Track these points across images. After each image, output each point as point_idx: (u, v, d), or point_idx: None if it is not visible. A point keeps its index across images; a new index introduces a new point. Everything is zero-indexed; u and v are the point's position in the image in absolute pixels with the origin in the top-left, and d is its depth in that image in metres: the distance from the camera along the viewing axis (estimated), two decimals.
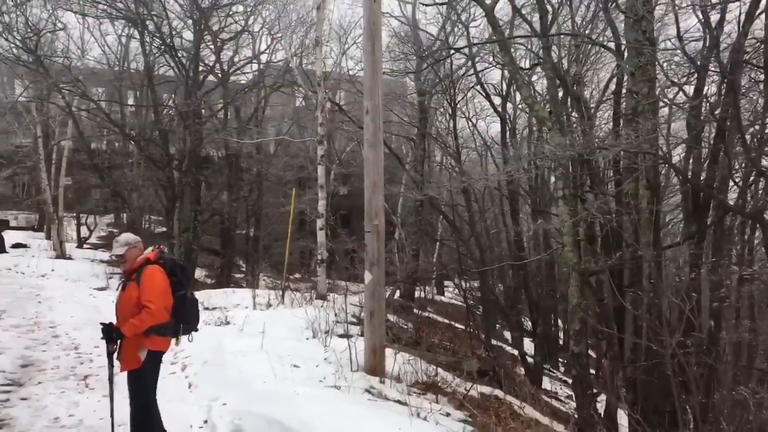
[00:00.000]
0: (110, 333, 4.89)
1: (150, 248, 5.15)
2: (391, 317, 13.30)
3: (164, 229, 25.38)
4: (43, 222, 28.53)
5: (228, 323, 10.66)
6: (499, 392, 9.01)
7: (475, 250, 15.24)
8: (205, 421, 5.60)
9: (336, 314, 11.95)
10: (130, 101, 32.82)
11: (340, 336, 10.23)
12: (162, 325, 4.84)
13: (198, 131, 19.24)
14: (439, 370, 8.70)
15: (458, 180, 14.61)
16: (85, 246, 27.01)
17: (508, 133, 19.71)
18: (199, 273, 24.05)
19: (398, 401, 6.35)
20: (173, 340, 5.11)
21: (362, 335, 11.16)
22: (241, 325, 9.86)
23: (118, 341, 4.95)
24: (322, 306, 13.12)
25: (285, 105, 31.41)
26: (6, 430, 5.64)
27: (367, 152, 7.82)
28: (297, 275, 35.43)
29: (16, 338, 9.94)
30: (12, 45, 17.22)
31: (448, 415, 6.41)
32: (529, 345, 19.95)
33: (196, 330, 5.26)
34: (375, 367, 7.51)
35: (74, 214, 28.53)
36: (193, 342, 8.67)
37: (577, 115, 12.80)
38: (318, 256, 16.07)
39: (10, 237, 25.15)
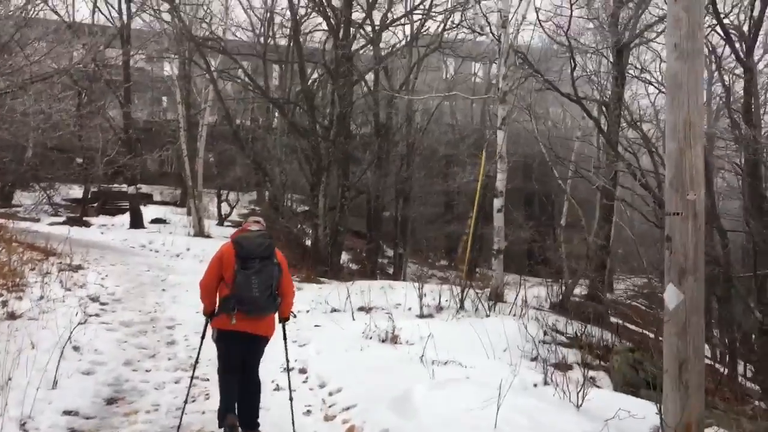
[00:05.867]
0: None
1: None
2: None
3: (307, 207, 23.14)
4: (185, 197, 27.29)
5: (396, 340, 7.55)
6: None
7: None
8: None
9: (542, 329, 8.59)
10: (275, 75, 31.03)
11: (554, 365, 6.94)
12: (221, 302, 4.79)
13: (348, 94, 16.44)
14: None
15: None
16: (225, 223, 25.39)
17: None
18: (344, 257, 21.45)
19: None
20: (233, 319, 4.69)
21: (584, 365, 7.80)
22: (419, 348, 6.67)
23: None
24: (513, 315, 9.78)
25: (436, 70, 28.11)
26: None
27: (676, 67, 4.28)
28: (443, 262, 32.36)
29: (120, 344, 7.46)
30: None
31: None
32: None
33: (259, 311, 4.75)
34: None
35: (216, 190, 27.05)
36: (356, 380, 5.69)
37: None
38: (495, 244, 12.72)
39: (151, 212, 24.01)
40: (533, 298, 12.53)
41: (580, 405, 4.82)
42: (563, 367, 7.34)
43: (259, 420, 4.97)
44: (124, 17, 20.81)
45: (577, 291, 15.59)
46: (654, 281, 22.14)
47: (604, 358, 8.02)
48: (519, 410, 4.25)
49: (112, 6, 21.80)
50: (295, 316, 5.31)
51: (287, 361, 5.45)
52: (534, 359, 7.48)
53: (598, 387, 6.69)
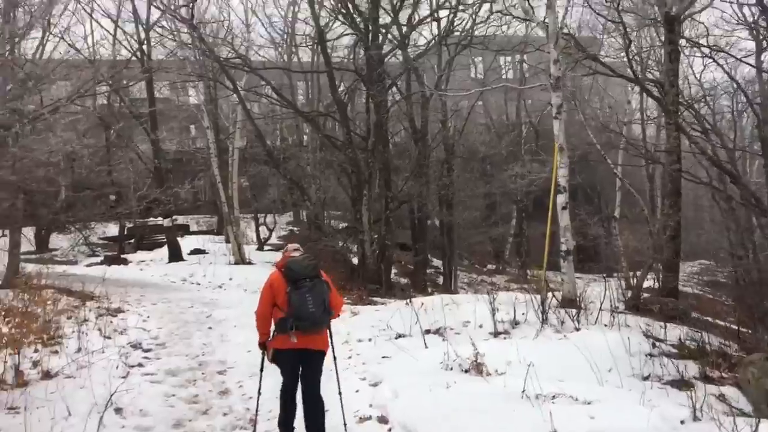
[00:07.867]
0: None
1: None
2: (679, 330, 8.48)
3: (346, 224, 22.20)
4: (222, 225, 26.60)
5: (481, 369, 6.45)
6: None
7: None
8: None
9: (649, 340, 7.41)
10: (300, 92, 30.34)
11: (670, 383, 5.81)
12: (278, 324, 4.98)
13: (384, 99, 15.51)
14: None
15: None
16: (266, 248, 24.60)
17: None
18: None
19: None
20: (293, 337, 4.90)
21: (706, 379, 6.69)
22: (512, 378, 5.61)
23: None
24: (604, 324, 8.63)
25: (466, 68, 27.06)
26: None
27: None
28: (490, 266, 31.03)
29: (167, 399, 6.54)
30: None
31: None
32: None
33: (316, 325, 4.98)
34: None
35: (252, 214, 26.32)
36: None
37: None
38: (563, 245, 11.56)
39: (189, 242, 23.32)
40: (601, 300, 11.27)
41: None
42: (683, 385, 6.19)
43: None
44: (144, 44, 20.24)
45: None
46: (718, 269, 20.55)
47: (725, 368, 6.83)
48: None
49: (132, 36, 21.22)
50: (338, 316, 5.51)
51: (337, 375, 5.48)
52: (646, 378, 6.34)
53: (735, 408, 5.56)
